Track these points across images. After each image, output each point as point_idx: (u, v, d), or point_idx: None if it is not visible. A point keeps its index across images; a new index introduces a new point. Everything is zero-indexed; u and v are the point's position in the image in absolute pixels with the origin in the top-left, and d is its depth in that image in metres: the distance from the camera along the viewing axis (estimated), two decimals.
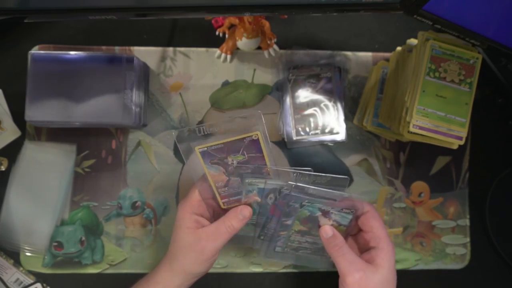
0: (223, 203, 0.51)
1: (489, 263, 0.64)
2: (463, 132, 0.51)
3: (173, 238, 0.50)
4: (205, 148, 0.47)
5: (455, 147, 0.53)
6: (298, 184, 0.47)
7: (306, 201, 0.47)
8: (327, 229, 0.48)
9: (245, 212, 0.48)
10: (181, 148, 0.48)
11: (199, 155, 0.48)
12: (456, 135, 0.51)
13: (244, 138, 0.47)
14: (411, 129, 0.51)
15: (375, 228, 0.48)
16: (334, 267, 0.48)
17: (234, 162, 0.48)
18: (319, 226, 0.49)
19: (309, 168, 0.48)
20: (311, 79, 0.61)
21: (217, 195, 0.50)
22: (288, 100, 0.61)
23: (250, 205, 0.49)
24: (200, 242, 0.47)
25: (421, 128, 0.51)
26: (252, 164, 0.48)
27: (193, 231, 0.48)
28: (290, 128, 0.60)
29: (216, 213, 0.51)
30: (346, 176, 0.48)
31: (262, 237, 0.52)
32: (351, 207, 0.48)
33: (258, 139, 0.47)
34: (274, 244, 0.52)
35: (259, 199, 0.49)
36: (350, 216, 0.48)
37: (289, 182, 0.47)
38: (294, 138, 0.60)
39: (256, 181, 0.48)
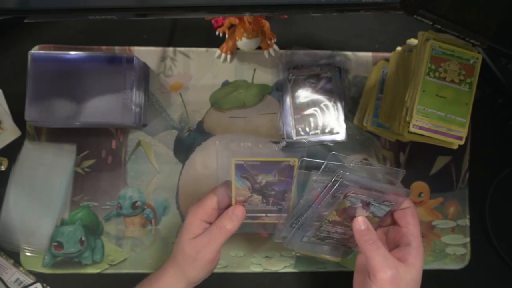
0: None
1: (489, 263, 0.64)
2: (463, 132, 0.51)
3: (178, 241, 0.49)
4: (242, 162, 0.47)
5: (455, 147, 0.53)
6: (353, 174, 0.45)
7: (352, 191, 0.45)
8: (360, 221, 0.46)
9: (237, 211, 0.48)
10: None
11: (234, 166, 0.47)
12: (456, 135, 0.51)
13: (282, 161, 0.47)
14: (411, 129, 0.51)
15: (412, 225, 0.47)
16: (346, 257, 0.48)
17: (263, 181, 0.48)
18: (353, 217, 0.47)
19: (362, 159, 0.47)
20: (311, 79, 0.61)
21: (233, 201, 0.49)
22: (288, 100, 0.61)
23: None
24: (197, 250, 0.47)
25: (421, 128, 0.51)
26: (278, 187, 0.48)
27: (194, 241, 0.47)
28: (290, 128, 0.60)
29: None
30: (403, 170, 0.48)
31: (294, 225, 0.50)
32: (394, 201, 0.47)
33: (294, 165, 0.47)
34: (303, 234, 0.50)
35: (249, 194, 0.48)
36: (388, 209, 0.47)
37: (344, 172, 0.45)
38: (294, 138, 0.60)
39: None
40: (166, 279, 0.49)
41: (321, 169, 0.46)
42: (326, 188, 0.46)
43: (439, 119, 0.51)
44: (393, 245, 0.49)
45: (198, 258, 0.47)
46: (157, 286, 0.49)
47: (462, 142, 0.51)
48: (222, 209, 0.49)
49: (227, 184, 0.48)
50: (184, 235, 0.48)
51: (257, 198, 0.48)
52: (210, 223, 0.48)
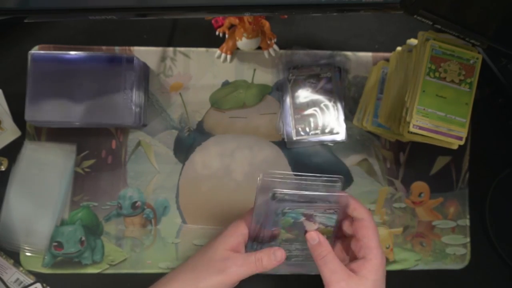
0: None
1: (489, 263, 0.64)
2: (463, 132, 0.51)
3: (205, 248, 0.48)
4: (284, 195, 0.46)
5: (455, 147, 0.53)
6: (282, 190, 0.45)
7: (287, 208, 0.46)
8: (313, 235, 0.47)
9: (277, 253, 0.47)
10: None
11: (275, 201, 0.46)
12: (456, 135, 0.51)
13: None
14: (411, 129, 0.51)
15: (367, 238, 0.46)
16: None
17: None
18: (306, 232, 0.48)
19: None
20: (311, 79, 0.61)
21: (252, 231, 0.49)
22: (288, 100, 0.61)
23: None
24: (226, 261, 0.46)
25: (421, 128, 0.51)
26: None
27: (226, 251, 0.47)
28: (290, 128, 0.60)
29: None
30: (341, 176, 0.47)
31: (255, 247, 0.50)
32: (337, 206, 0.47)
33: None
34: None
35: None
36: (335, 216, 0.48)
37: (275, 189, 0.45)
38: (294, 138, 0.60)
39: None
40: (173, 284, 0.47)
41: (259, 187, 0.46)
42: (261, 207, 0.46)
43: (439, 119, 0.51)
44: (354, 256, 0.48)
45: (221, 271, 0.46)
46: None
47: (462, 142, 0.51)
48: (245, 236, 0.48)
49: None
50: (220, 243, 0.47)
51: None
52: (245, 242, 0.48)
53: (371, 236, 0.47)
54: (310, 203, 0.46)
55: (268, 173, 0.46)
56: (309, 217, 0.47)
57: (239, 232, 0.48)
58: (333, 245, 0.50)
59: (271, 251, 0.47)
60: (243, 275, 0.46)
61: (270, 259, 0.47)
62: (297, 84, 0.61)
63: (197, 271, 0.47)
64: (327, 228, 0.49)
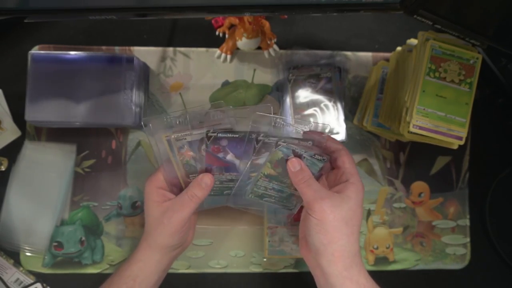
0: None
1: (489, 263, 0.64)
2: (463, 132, 0.51)
3: (145, 214, 0.51)
4: (172, 137, 0.48)
5: (455, 147, 0.53)
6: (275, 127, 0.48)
7: (282, 140, 0.47)
8: (294, 162, 0.47)
9: (206, 180, 0.49)
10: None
11: (166, 143, 0.48)
12: (456, 135, 0.51)
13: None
14: (411, 129, 0.51)
15: (348, 163, 0.48)
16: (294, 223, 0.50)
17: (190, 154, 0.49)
18: (287, 160, 0.48)
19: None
20: (311, 79, 0.61)
21: (182, 184, 0.50)
22: (288, 100, 0.61)
23: (190, 164, 0.49)
24: (166, 214, 0.48)
25: (421, 128, 0.51)
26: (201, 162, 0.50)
27: (159, 204, 0.49)
28: (290, 128, 0.60)
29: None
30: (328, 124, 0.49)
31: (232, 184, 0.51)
32: (325, 150, 0.48)
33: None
34: (244, 189, 0.51)
35: (192, 153, 0.49)
36: (321, 164, 0.48)
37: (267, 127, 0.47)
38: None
39: (183, 135, 0.48)
40: (141, 251, 0.50)
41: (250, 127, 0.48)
42: (255, 136, 0.48)
43: (439, 119, 0.51)
44: (334, 185, 0.49)
45: (165, 222, 0.48)
46: (135, 259, 0.50)
47: (462, 142, 0.51)
48: (174, 185, 0.50)
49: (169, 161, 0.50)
50: (146, 202, 0.50)
51: (183, 173, 0.49)
52: (166, 190, 0.50)
53: (352, 163, 0.48)
54: (305, 142, 0.47)
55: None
56: (298, 157, 0.48)
57: (155, 185, 0.49)
58: None
59: (198, 181, 0.48)
60: (186, 216, 0.48)
61: (201, 188, 0.48)
62: (297, 84, 0.61)
63: (150, 237, 0.49)
64: None
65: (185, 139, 0.49)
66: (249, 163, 0.49)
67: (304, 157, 0.48)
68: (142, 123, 0.50)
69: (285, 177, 0.49)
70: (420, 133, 0.51)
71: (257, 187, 0.50)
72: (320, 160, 0.48)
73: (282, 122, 0.49)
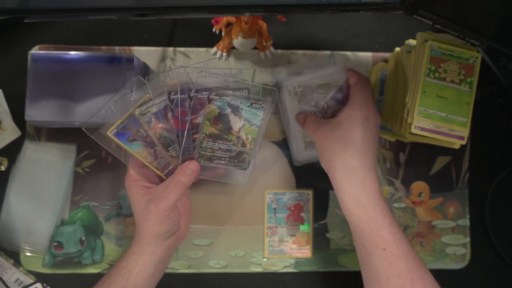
0: (165, 175, 0.51)
1: (489, 263, 0.64)
2: (465, 132, 0.51)
3: (132, 210, 0.51)
4: (115, 130, 0.48)
5: (457, 147, 0.53)
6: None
7: (213, 93, 0.46)
8: (300, 117, 0.54)
9: (191, 166, 0.49)
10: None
11: (114, 137, 0.48)
12: (458, 135, 0.51)
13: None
14: (413, 130, 0.51)
15: (353, 91, 0.52)
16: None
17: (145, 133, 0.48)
18: (230, 128, 0.48)
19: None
20: (320, 90, 0.57)
21: (154, 170, 0.50)
22: (294, 126, 0.58)
23: (164, 136, 0.49)
24: (152, 202, 0.48)
25: (422, 129, 0.51)
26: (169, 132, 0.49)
27: (143, 194, 0.49)
28: (301, 150, 0.59)
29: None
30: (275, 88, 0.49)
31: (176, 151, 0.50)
32: (258, 96, 0.48)
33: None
34: (192, 154, 0.50)
35: (162, 124, 0.48)
36: (261, 113, 0.47)
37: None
38: (306, 160, 0.60)
39: (146, 108, 0.47)
40: (135, 244, 0.51)
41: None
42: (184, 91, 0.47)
43: (441, 119, 0.51)
44: None
45: (152, 210, 0.48)
46: (130, 252, 0.50)
47: (464, 142, 0.51)
48: (149, 175, 0.51)
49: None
50: (130, 196, 0.50)
51: (161, 150, 0.49)
52: (146, 181, 0.51)
53: (359, 92, 0.52)
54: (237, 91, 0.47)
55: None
56: (236, 110, 0.47)
57: (132, 179, 0.50)
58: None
59: (183, 168, 0.49)
60: (172, 203, 0.48)
61: (187, 175, 0.49)
62: (304, 97, 0.57)
63: (141, 229, 0.50)
64: (251, 127, 0.48)
65: (149, 111, 0.48)
66: (187, 124, 0.47)
67: (242, 109, 0.47)
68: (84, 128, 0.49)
69: (228, 134, 0.47)
70: (422, 134, 0.51)
71: (204, 150, 0.49)
72: (259, 108, 0.47)
73: (211, 73, 0.47)
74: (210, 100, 0.46)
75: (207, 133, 0.48)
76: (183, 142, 0.49)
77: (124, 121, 0.48)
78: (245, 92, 0.47)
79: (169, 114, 0.48)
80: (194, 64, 0.48)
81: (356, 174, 0.47)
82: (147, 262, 0.50)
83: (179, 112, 0.47)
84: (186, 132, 0.48)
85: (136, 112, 0.47)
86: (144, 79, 0.48)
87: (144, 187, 0.50)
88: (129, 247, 0.51)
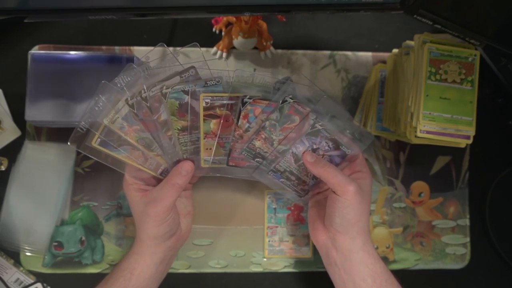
0: (160, 174, 0.51)
1: (489, 263, 0.64)
2: (471, 131, 0.51)
3: (132, 212, 0.52)
4: (98, 139, 0.48)
5: (462, 146, 0.53)
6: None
7: (164, 87, 0.46)
8: (308, 155, 0.50)
9: (186, 167, 0.49)
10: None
11: (100, 147, 0.48)
12: (464, 135, 0.51)
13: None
14: (419, 134, 0.50)
15: (360, 157, 0.53)
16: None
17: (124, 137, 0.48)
18: (197, 113, 0.48)
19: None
20: (330, 142, 0.51)
21: (148, 171, 0.50)
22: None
23: (143, 137, 0.48)
24: (150, 204, 0.48)
25: (428, 132, 0.50)
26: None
27: (141, 196, 0.50)
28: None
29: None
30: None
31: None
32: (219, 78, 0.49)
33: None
34: (174, 153, 0.51)
35: (136, 127, 0.48)
36: (219, 88, 0.48)
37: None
38: None
39: (114, 115, 0.47)
40: (136, 246, 0.51)
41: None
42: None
43: (446, 121, 0.51)
44: (348, 175, 0.53)
45: (150, 213, 0.48)
46: (131, 253, 0.51)
47: (470, 141, 0.51)
48: (146, 179, 0.51)
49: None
50: (130, 200, 0.51)
51: (147, 153, 0.49)
52: (143, 184, 0.51)
53: (362, 157, 0.53)
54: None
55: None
56: (194, 95, 0.47)
57: (129, 183, 0.50)
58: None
59: (178, 169, 0.49)
60: (169, 205, 0.48)
61: (182, 176, 0.49)
62: (316, 135, 0.51)
63: (140, 231, 0.50)
64: (221, 110, 0.49)
65: (118, 117, 0.47)
66: (155, 124, 0.47)
67: (199, 91, 0.47)
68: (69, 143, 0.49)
69: (197, 127, 0.48)
70: (428, 137, 0.51)
71: (184, 145, 0.49)
72: (216, 84, 0.47)
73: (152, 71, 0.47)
74: (164, 95, 0.46)
75: (179, 128, 0.48)
76: (161, 142, 0.49)
77: (102, 132, 0.48)
78: (192, 72, 0.46)
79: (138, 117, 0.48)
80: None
81: (368, 235, 0.51)
82: (148, 262, 0.50)
83: (142, 114, 0.47)
84: (159, 132, 0.47)
85: (106, 122, 0.47)
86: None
87: (141, 190, 0.51)
88: (130, 248, 0.52)
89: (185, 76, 0.47)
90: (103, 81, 0.47)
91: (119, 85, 0.47)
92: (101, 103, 0.47)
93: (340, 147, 0.50)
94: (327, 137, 0.49)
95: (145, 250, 0.50)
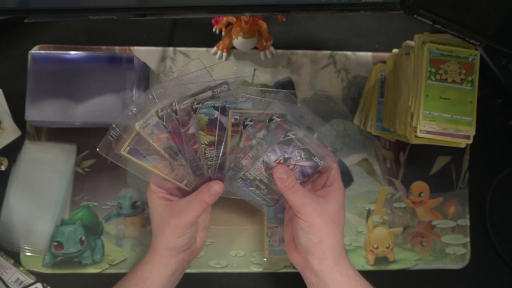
0: (185, 185, 0.51)
1: (489, 263, 0.64)
2: (471, 131, 0.51)
3: (151, 219, 0.51)
4: (128, 147, 0.48)
5: (462, 146, 0.53)
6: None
7: (195, 102, 0.46)
8: (280, 170, 0.48)
9: (216, 187, 0.49)
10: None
11: (128, 155, 0.48)
12: (464, 135, 0.51)
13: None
14: (419, 134, 0.50)
15: (334, 170, 0.51)
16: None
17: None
18: (225, 129, 0.48)
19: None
20: (302, 152, 0.49)
21: (174, 182, 0.50)
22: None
23: (170, 145, 0.48)
24: (173, 216, 0.48)
25: (428, 132, 0.50)
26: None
27: (165, 206, 0.49)
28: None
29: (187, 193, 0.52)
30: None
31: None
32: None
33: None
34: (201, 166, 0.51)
35: (165, 134, 0.48)
36: (249, 105, 0.48)
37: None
38: None
39: (146, 120, 0.46)
40: (150, 254, 0.50)
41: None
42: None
43: (446, 121, 0.51)
44: (319, 189, 0.52)
45: (172, 224, 0.48)
46: (144, 261, 0.50)
47: (470, 141, 0.51)
48: (170, 188, 0.51)
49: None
50: (152, 207, 0.51)
51: (168, 158, 0.49)
52: (165, 193, 0.51)
53: (337, 169, 0.51)
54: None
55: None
56: (224, 111, 0.47)
57: (154, 191, 0.50)
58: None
59: (208, 186, 0.49)
60: (192, 219, 0.48)
61: (210, 194, 0.49)
62: (288, 144, 0.49)
63: (157, 240, 0.50)
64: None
65: (150, 123, 0.47)
66: (183, 136, 0.47)
67: (229, 107, 0.47)
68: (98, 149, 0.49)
69: (224, 142, 0.48)
70: (428, 137, 0.51)
71: (210, 160, 0.49)
72: (245, 101, 0.47)
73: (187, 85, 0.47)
74: (195, 110, 0.46)
75: (206, 143, 0.48)
76: (186, 155, 0.49)
77: (133, 140, 0.48)
78: (224, 88, 0.46)
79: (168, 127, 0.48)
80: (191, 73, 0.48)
81: (342, 254, 0.49)
82: (161, 273, 0.50)
83: (172, 126, 0.47)
84: (184, 145, 0.48)
85: (137, 127, 0.47)
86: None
87: (164, 199, 0.50)
88: (144, 256, 0.51)
89: (217, 91, 0.47)
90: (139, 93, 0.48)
91: (150, 96, 0.48)
92: (135, 108, 0.47)
93: (313, 158, 0.49)
94: (299, 146, 0.48)
95: (158, 260, 0.50)
